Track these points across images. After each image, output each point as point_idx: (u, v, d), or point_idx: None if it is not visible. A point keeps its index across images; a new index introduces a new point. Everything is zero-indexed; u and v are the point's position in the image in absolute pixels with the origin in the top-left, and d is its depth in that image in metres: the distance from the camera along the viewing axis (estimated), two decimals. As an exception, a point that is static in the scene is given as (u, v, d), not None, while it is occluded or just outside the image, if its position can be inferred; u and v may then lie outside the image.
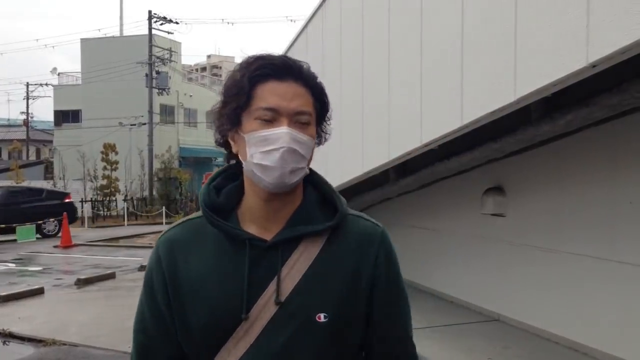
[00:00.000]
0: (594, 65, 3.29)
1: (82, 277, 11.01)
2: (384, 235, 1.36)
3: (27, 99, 46.47)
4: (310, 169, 1.35)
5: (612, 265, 5.02)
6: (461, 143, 5.48)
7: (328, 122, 1.37)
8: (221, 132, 1.32)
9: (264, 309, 1.25)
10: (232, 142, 1.32)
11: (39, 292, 9.82)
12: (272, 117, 1.24)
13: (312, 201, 1.34)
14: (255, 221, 1.31)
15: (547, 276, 5.84)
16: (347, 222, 1.34)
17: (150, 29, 32.90)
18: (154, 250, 1.37)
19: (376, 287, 1.32)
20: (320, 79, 1.35)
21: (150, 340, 1.34)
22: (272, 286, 1.25)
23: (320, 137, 1.36)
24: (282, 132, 1.23)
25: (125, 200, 29.00)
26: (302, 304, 1.25)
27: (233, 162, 1.37)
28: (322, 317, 1.24)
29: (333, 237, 1.31)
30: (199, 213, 1.35)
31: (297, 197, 1.33)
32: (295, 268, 1.27)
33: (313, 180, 1.37)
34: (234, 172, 1.37)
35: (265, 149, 1.23)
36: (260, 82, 1.25)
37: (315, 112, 1.31)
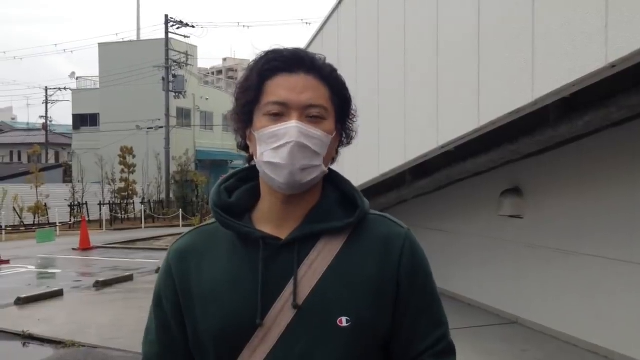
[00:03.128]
0: (613, 65, 3.26)
1: (101, 279, 11.08)
2: (408, 237, 1.25)
3: (46, 103, 46.99)
4: (330, 169, 1.28)
5: (632, 268, 4.96)
6: (478, 144, 5.44)
7: (353, 119, 1.28)
8: (237, 133, 1.26)
9: (281, 314, 1.16)
10: (249, 143, 1.25)
11: (58, 294, 9.90)
12: (281, 112, 1.16)
13: (332, 199, 1.25)
14: (270, 222, 1.23)
15: (566, 278, 5.79)
16: (369, 222, 1.25)
17: (166, 33, 33.12)
18: (165, 259, 1.30)
19: (401, 293, 1.21)
20: None
21: (154, 351, 1.29)
22: (288, 288, 1.17)
23: (347, 135, 1.29)
24: (290, 127, 1.15)
25: (142, 202, 29.20)
26: (321, 307, 1.16)
27: (253, 163, 1.27)
28: (344, 322, 1.15)
29: (354, 236, 1.22)
30: (213, 220, 1.29)
31: (315, 196, 1.24)
32: (313, 268, 1.18)
33: (333, 180, 1.28)
34: (248, 175, 1.30)
35: (274, 146, 1.15)
36: (269, 77, 1.19)
37: (334, 107, 1.22)
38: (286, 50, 1.22)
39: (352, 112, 1.28)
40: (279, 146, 1.15)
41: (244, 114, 1.22)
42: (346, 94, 1.26)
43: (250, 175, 1.29)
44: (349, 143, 1.31)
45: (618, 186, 5.16)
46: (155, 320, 1.29)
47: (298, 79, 1.18)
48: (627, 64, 3.27)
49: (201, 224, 1.34)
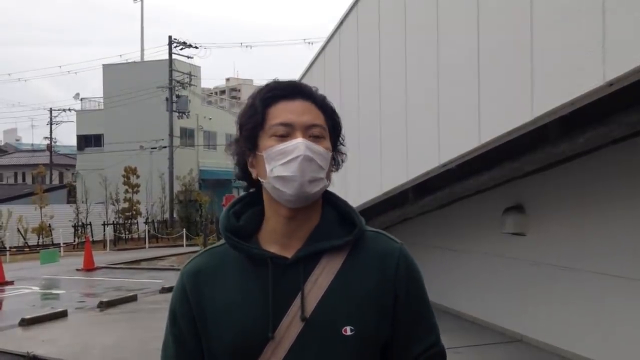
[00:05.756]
0: (610, 84, 3.30)
1: (105, 299, 11.07)
2: (402, 251, 1.37)
3: (51, 124, 47.30)
4: (327, 190, 1.37)
5: (636, 284, 4.96)
6: (480, 163, 5.47)
7: (342, 144, 1.41)
8: (240, 157, 1.36)
9: (290, 327, 1.27)
10: (251, 169, 1.35)
11: (62, 315, 9.89)
12: (287, 132, 1.29)
13: (331, 219, 1.36)
14: (276, 241, 1.33)
15: (570, 295, 5.78)
16: (366, 239, 1.36)
17: (170, 53, 33.45)
18: (179, 280, 1.40)
19: (399, 303, 1.33)
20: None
21: None
22: (296, 303, 1.28)
23: (336, 162, 1.39)
24: (297, 143, 1.28)
25: (146, 222, 29.23)
26: (327, 318, 1.27)
27: (253, 190, 1.41)
28: (348, 330, 1.27)
29: (353, 252, 1.34)
30: (222, 242, 1.39)
31: (315, 215, 1.35)
32: (318, 283, 1.29)
33: (330, 200, 1.39)
34: (253, 200, 1.40)
35: (283, 161, 1.27)
36: (272, 104, 1.32)
37: (328, 130, 1.35)
38: (284, 81, 1.38)
39: (342, 136, 1.41)
40: (288, 160, 1.27)
41: (251, 138, 1.33)
42: (337, 119, 1.39)
43: (254, 199, 1.40)
44: (338, 168, 1.41)
45: (620, 202, 5.17)
46: (172, 337, 1.39)
47: (298, 104, 1.33)
48: (624, 83, 3.30)
49: (212, 246, 1.45)
